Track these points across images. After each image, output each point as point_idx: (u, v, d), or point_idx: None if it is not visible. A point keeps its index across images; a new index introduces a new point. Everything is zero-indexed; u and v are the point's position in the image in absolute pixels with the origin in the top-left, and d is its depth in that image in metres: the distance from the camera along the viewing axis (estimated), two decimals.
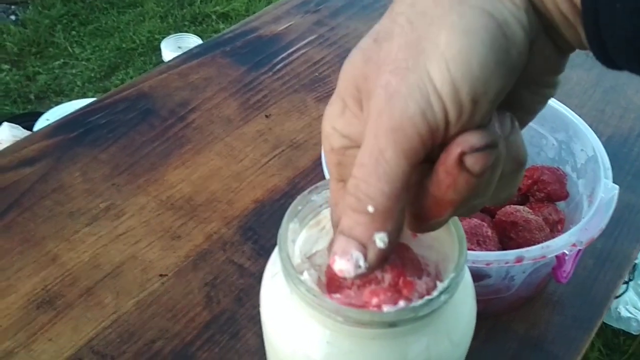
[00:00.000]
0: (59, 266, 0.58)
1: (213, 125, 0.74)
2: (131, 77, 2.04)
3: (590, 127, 0.55)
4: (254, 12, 2.16)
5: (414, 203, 0.26)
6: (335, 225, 0.29)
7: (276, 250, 0.33)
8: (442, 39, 0.22)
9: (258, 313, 0.35)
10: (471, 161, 0.22)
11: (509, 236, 0.52)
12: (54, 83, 2.04)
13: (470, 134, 0.23)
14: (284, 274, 0.30)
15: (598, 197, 0.48)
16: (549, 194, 0.56)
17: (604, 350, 1.29)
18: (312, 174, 0.68)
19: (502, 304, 0.53)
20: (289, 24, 0.91)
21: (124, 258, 0.59)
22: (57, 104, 1.86)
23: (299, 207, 0.33)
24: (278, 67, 0.83)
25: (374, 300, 0.27)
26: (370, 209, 0.24)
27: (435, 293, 0.28)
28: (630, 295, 1.28)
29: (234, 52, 0.86)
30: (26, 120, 1.60)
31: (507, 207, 0.54)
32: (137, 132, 0.73)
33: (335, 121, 0.26)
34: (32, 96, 1.99)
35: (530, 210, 0.54)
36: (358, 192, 0.24)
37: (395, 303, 0.27)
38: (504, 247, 0.52)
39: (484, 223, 0.51)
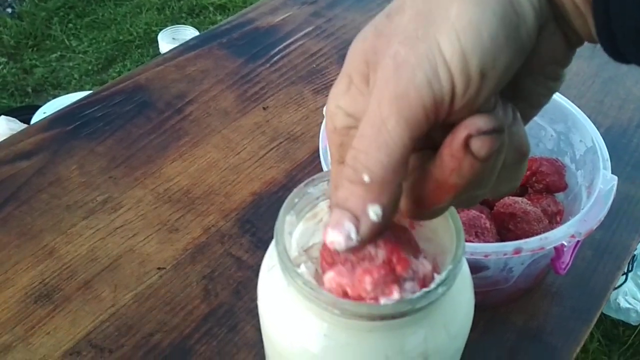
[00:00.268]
0: (57, 259, 0.58)
1: (210, 118, 0.74)
2: (128, 70, 2.03)
3: (589, 118, 0.55)
4: (251, 4, 2.15)
5: (414, 189, 0.26)
6: None
7: (273, 243, 0.33)
8: (454, 10, 0.22)
9: (256, 306, 0.34)
10: (477, 145, 0.22)
11: (507, 228, 0.52)
12: (51, 76, 2.03)
13: (478, 117, 0.22)
14: (280, 267, 0.30)
15: (597, 188, 0.48)
16: (548, 185, 0.56)
17: (604, 341, 1.30)
18: (310, 167, 0.68)
19: (500, 295, 0.53)
20: (286, 15, 0.91)
21: (121, 251, 0.59)
22: (55, 96, 1.86)
23: (296, 200, 0.33)
24: (275, 58, 0.83)
25: (367, 279, 0.26)
26: (366, 178, 0.23)
27: (432, 285, 0.28)
28: (630, 286, 1.28)
29: (230, 43, 0.85)
30: (23, 113, 1.59)
31: (506, 198, 0.54)
32: (134, 124, 0.73)
33: (339, 99, 0.26)
34: (29, 89, 1.98)
35: (529, 202, 0.54)
36: (356, 162, 0.24)
37: (388, 282, 0.26)
38: (502, 238, 0.52)
39: (482, 214, 0.51)
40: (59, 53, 2.12)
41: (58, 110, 0.75)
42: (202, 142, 0.71)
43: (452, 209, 0.31)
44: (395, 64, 0.23)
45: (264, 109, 0.75)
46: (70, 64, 2.08)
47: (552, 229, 0.47)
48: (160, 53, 1.88)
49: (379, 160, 0.23)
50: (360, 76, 0.25)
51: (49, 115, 0.75)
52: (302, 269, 0.30)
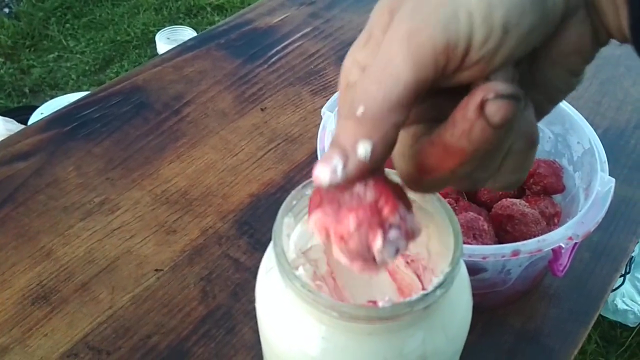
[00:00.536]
0: (54, 261, 0.58)
1: (208, 119, 0.74)
2: (126, 70, 2.03)
3: (587, 119, 0.55)
4: (249, 4, 2.15)
5: (418, 155, 0.25)
6: None
7: (271, 245, 0.33)
8: None
9: (254, 308, 0.34)
10: (493, 108, 0.22)
11: (505, 230, 0.52)
12: (48, 76, 2.03)
13: (497, 82, 0.22)
14: (279, 269, 0.30)
15: (594, 190, 0.48)
16: (545, 187, 0.56)
17: (601, 343, 1.30)
18: (308, 168, 0.68)
19: (498, 297, 0.53)
20: (284, 16, 0.91)
21: (118, 253, 0.59)
22: (52, 97, 1.85)
23: (294, 202, 0.33)
24: (273, 59, 0.83)
25: (351, 218, 0.25)
26: (361, 109, 0.23)
27: (430, 288, 0.28)
28: (627, 287, 1.29)
29: (228, 44, 0.85)
30: (21, 114, 1.59)
31: (504, 200, 0.54)
32: (132, 125, 0.73)
33: (356, 52, 0.25)
34: (26, 89, 1.98)
35: (527, 204, 0.54)
36: (354, 97, 0.23)
37: (373, 224, 0.25)
38: (500, 240, 0.52)
39: (480, 217, 0.51)
40: (56, 53, 2.11)
41: (55, 111, 0.75)
42: (199, 144, 0.71)
43: (451, 211, 0.31)
44: (415, 3, 0.22)
45: (261, 110, 0.75)
46: (68, 64, 2.07)
47: (549, 231, 0.47)
48: (157, 53, 1.88)
49: (375, 95, 0.22)
50: (381, 28, 0.24)
51: (46, 116, 0.75)
52: (300, 271, 0.30)
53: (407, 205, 0.26)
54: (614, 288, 1.08)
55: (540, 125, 0.59)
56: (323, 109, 0.56)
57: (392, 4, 0.24)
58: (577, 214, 0.47)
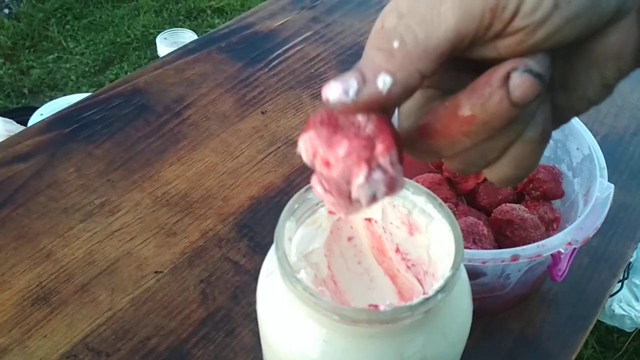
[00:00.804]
0: (54, 262, 0.58)
1: (209, 122, 0.74)
2: (126, 72, 2.03)
3: (586, 125, 0.55)
4: (249, 8, 2.15)
5: (426, 115, 0.25)
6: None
7: (273, 248, 0.33)
8: None
9: (254, 310, 0.35)
10: (517, 81, 0.21)
11: (504, 234, 0.52)
12: (47, 77, 2.03)
13: (530, 58, 0.22)
14: (280, 273, 0.30)
15: (593, 196, 0.48)
16: (545, 192, 0.56)
17: (598, 348, 1.30)
18: (308, 171, 0.67)
19: (497, 302, 0.53)
20: (285, 20, 0.91)
21: (118, 255, 0.59)
22: (51, 98, 1.85)
23: (296, 206, 0.33)
24: (274, 63, 0.83)
25: (344, 143, 0.24)
26: (396, 43, 0.22)
27: (431, 292, 0.28)
28: (625, 293, 1.29)
29: (229, 47, 0.86)
30: (20, 114, 1.59)
31: (503, 205, 0.55)
32: (132, 127, 0.73)
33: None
34: (25, 90, 1.98)
35: (526, 209, 0.54)
36: (394, 31, 0.22)
37: (361, 156, 0.24)
38: (499, 245, 0.52)
39: (479, 221, 0.51)
40: (56, 54, 2.11)
41: (56, 113, 0.75)
42: (200, 146, 0.71)
43: (452, 216, 0.32)
44: None
45: (262, 113, 0.75)
46: (67, 65, 2.07)
47: (548, 236, 0.47)
48: (157, 56, 1.88)
49: (416, 34, 0.22)
50: None
51: (46, 118, 0.75)
52: (302, 274, 0.30)
53: (401, 157, 0.25)
54: (611, 294, 1.08)
55: None
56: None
57: None
58: (577, 220, 0.47)
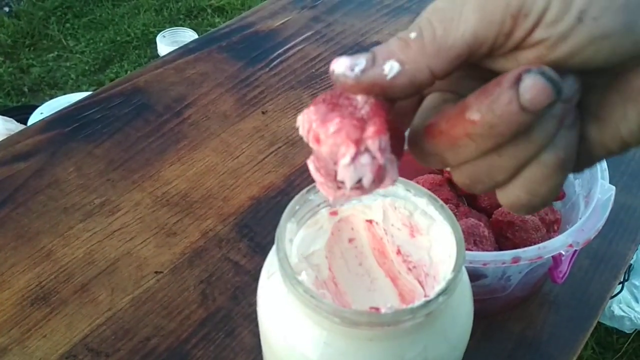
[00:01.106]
0: (53, 262, 0.58)
1: (209, 121, 0.74)
2: (126, 71, 2.03)
3: None
4: (249, 7, 2.15)
5: (435, 114, 0.24)
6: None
7: (273, 249, 0.33)
8: None
9: (254, 311, 0.34)
10: (529, 83, 0.20)
11: (505, 236, 0.52)
12: (47, 76, 2.03)
13: (548, 67, 0.21)
14: (281, 274, 0.30)
15: (595, 198, 0.48)
16: None
17: (597, 349, 1.30)
18: (308, 172, 0.68)
19: (498, 303, 0.53)
20: (285, 20, 0.91)
21: (118, 254, 0.59)
22: (51, 96, 1.85)
23: (297, 207, 0.33)
24: (274, 63, 0.83)
25: (336, 120, 0.23)
26: (413, 34, 0.22)
27: (433, 294, 0.28)
28: (624, 294, 1.29)
29: (230, 47, 0.86)
30: (20, 113, 1.59)
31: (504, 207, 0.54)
32: (133, 127, 0.73)
33: None
34: (25, 89, 1.98)
35: None
36: (417, 22, 0.22)
37: (351, 135, 0.23)
38: (500, 247, 0.52)
39: (480, 223, 0.51)
40: (56, 53, 2.11)
41: (56, 112, 0.75)
42: (200, 146, 0.71)
43: (453, 218, 0.31)
44: None
45: (263, 113, 0.75)
46: (67, 64, 2.07)
47: (549, 237, 0.47)
48: (157, 54, 1.88)
49: (434, 31, 0.22)
50: None
51: (46, 117, 0.75)
52: (303, 276, 0.30)
53: (398, 150, 0.25)
54: (612, 295, 1.08)
55: None
56: None
57: None
58: (578, 222, 0.47)
